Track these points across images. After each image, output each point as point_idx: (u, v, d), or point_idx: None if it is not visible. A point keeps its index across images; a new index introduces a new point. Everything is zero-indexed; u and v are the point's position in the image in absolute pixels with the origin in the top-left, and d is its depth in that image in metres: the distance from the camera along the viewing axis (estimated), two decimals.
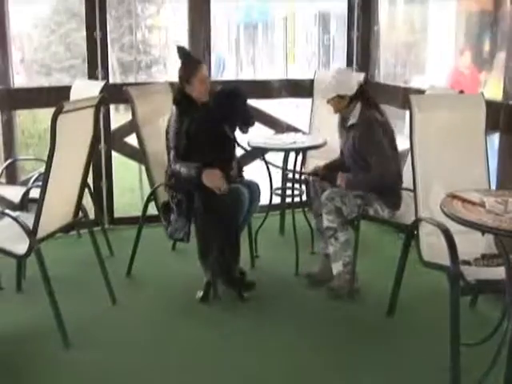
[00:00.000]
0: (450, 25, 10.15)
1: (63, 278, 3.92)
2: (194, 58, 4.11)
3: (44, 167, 4.78)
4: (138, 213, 4.86)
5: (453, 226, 2.97)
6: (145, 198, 4.41)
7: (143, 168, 4.69)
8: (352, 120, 3.99)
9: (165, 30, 14.96)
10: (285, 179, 4.90)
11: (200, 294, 3.94)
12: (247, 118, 3.97)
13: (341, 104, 4.02)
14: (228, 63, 17.15)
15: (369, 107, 4.00)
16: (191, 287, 4.04)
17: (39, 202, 3.36)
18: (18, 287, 4.07)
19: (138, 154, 5.22)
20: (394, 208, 4.01)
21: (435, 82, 8.22)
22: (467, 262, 3.18)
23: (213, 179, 3.79)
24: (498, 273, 3.17)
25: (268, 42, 19.85)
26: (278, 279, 4.33)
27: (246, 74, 18.78)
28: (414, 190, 3.46)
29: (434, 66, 10.16)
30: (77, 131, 3.50)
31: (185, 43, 5.21)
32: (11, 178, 4.99)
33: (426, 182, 3.46)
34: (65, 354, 3.37)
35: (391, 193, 4.00)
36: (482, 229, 2.68)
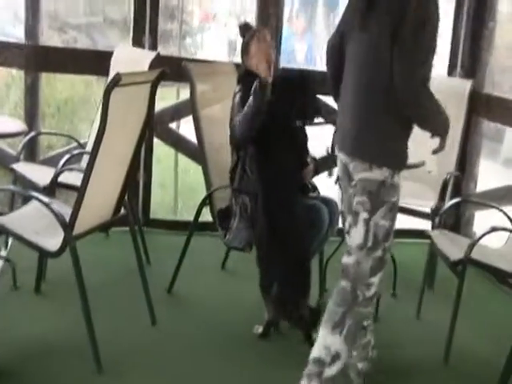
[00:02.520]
0: None
1: (92, 285, 3.45)
2: (253, 27, 3.83)
3: (72, 145, 4.67)
4: (169, 215, 4.56)
5: None
6: (177, 198, 4.02)
7: (181, 159, 4.30)
8: None
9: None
10: None
11: (259, 329, 3.57)
12: (317, 108, 3.83)
13: None
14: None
15: None
16: (246, 316, 3.76)
17: (81, 190, 3.04)
18: (36, 288, 3.76)
19: (181, 143, 5.01)
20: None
21: None
22: None
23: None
24: None
25: None
26: None
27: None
28: None
29: None
30: (129, 110, 3.18)
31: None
32: (31, 154, 4.57)
33: None
34: (96, 380, 3.08)
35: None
36: None
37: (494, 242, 3.75)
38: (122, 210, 3.49)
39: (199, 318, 3.76)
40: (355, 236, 2.82)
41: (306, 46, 13.42)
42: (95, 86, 7.20)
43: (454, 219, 4.95)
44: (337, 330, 2.80)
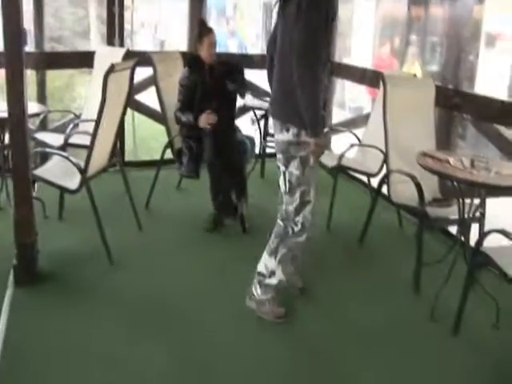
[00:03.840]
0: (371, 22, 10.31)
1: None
2: (208, 26, 4.06)
3: (69, 118, 4.81)
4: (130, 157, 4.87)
5: None
6: (136, 145, 4.30)
7: (137, 117, 4.58)
8: None
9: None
10: (265, 135, 4.96)
11: (208, 225, 3.91)
12: (244, 83, 4.04)
13: None
14: None
15: None
16: (197, 218, 3.98)
17: (90, 145, 3.26)
18: (59, 216, 3.95)
19: (141, 107, 5.23)
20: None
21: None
22: (425, 204, 3.32)
23: (204, 120, 3.72)
24: (448, 212, 3.38)
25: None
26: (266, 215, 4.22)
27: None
28: (386, 148, 3.56)
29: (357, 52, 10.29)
30: (118, 88, 3.38)
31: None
32: (42, 125, 4.76)
33: (395, 142, 3.57)
34: (110, 271, 3.32)
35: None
36: (456, 180, 2.82)
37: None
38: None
39: (168, 223, 4.00)
40: (280, 185, 2.79)
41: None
42: (77, 76, 7.37)
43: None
44: (272, 255, 2.81)
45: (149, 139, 6.47)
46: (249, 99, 5.00)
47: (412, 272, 3.24)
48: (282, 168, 2.74)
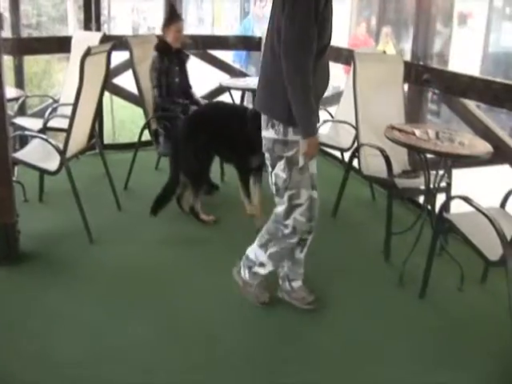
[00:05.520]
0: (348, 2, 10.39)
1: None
2: (177, 13, 4.31)
3: (47, 102, 4.83)
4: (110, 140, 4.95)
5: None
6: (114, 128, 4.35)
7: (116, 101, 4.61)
8: None
9: None
10: None
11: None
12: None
13: None
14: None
15: None
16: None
17: (69, 127, 3.31)
18: (40, 199, 4.01)
19: (118, 90, 5.30)
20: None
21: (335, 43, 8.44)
22: (394, 176, 3.46)
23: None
24: (416, 183, 3.52)
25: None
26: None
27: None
28: (357, 123, 3.68)
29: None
30: (95, 71, 3.42)
31: None
32: (21, 111, 4.79)
33: (365, 117, 3.69)
34: (91, 248, 3.40)
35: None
36: (420, 150, 2.95)
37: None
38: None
39: (146, 202, 3.86)
40: (269, 184, 2.57)
41: None
42: (55, 63, 7.42)
43: None
44: (263, 248, 2.65)
45: (128, 122, 6.54)
46: (225, 80, 5.12)
47: (383, 241, 3.38)
48: (269, 168, 2.51)
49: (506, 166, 3.68)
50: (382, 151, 3.33)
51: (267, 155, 2.50)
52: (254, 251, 2.71)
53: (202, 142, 3.60)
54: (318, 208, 2.63)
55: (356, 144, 3.75)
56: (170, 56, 4.07)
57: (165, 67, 4.02)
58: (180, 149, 3.70)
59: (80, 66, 3.17)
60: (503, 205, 2.94)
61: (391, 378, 2.41)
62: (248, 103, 5.14)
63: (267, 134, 2.42)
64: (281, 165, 2.43)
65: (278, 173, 2.45)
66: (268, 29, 2.44)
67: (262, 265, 2.69)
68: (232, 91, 4.84)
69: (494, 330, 2.69)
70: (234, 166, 3.73)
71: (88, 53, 3.17)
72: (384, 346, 2.60)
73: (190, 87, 4.33)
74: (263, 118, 2.45)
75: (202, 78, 4.69)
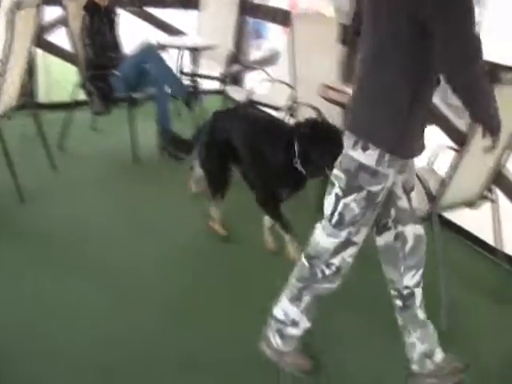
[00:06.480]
0: None
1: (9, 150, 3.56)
2: None
3: None
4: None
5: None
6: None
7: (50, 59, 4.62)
8: None
9: None
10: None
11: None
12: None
13: None
14: None
15: None
16: (115, 153, 4.14)
17: (0, 83, 3.19)
18: None
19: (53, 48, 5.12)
20: None
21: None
22: None
23: None
24: None
25: None
26: None
27: None
28: (294, 82, 3.74)
29: None
30: (24, 25, 3.31)
31: None
32: None
33: (301, 77, 3.75)
34: (22, 208, 3.33)
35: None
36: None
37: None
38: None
39: (82, 162, 4.02)
40: (326, 205, 2.05)
41: None
42: None
43: (235, 79, 5.45)
44: (295, 303, 2.18)
45: (62, 81, 6.33)
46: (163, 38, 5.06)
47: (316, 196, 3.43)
48: (337, 190, 2.00)
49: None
50: (317, 110, 3.41)
51: (342, 176, 1.99)
52: (282, 309, 2.21)
53: (225, 147, 3.09)
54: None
55: (292, 103, 3.81)
56: (99, 15, 4.16)
57: (96, 26, 4.12)
58: (205, 137, 3.21)
59: (9, 20, 3.05)
60: (430, 163, 3.07)
61: None
62: (197, 68, 5.03)
63: (354, 154, 1.94)
64: (358, 197, 1.97)
65: (350, 204, 1.98)
66: (369, 28, 1.90)
67: (294, 324, 2.20)
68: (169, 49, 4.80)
69: None
70: (255, 199, 3.07)
71: (17, 6, 3.07)
72: None
73: (118, 44, 4.38)
74: (350, 136, 1.96)
75: (138, 36, 4.55)
